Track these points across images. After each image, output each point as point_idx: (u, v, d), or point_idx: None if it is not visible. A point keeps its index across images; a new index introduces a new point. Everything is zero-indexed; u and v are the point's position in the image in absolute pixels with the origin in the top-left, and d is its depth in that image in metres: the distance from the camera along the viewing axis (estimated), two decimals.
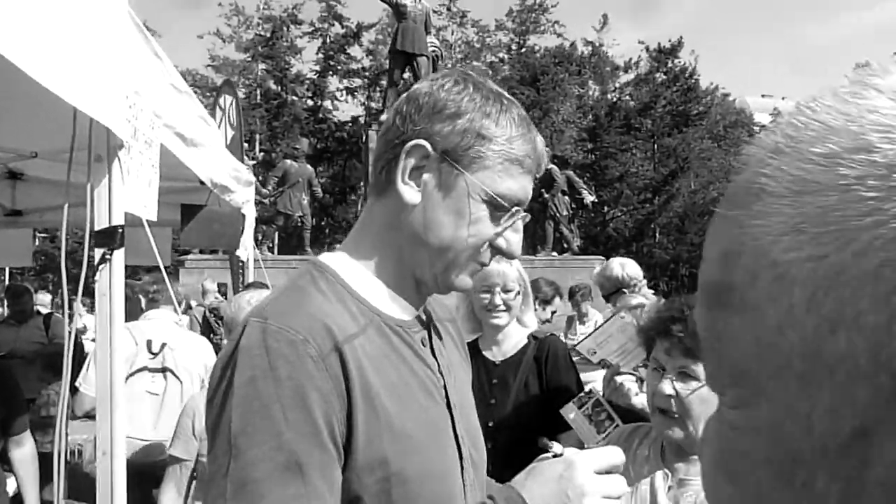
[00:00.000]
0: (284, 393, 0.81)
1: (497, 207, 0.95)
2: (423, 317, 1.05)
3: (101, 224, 1.77)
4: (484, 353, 2.46)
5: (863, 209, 0.28)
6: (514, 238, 0.99)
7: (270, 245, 15.38)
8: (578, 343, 2.58)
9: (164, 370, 3.34)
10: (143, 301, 3.71)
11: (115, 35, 1.80)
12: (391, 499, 0.87)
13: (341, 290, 0.94)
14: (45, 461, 2.81)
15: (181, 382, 3.35)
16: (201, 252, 11.50)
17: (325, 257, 1.01)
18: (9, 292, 5.74)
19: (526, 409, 2.35)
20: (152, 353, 3.35)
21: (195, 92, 3.56)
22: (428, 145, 0.93)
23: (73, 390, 3.54)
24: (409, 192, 0.95)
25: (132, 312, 3.47)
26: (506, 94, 1.01)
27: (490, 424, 2.22)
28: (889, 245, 0.28)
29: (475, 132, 0.94)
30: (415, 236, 0.96)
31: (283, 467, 0.79)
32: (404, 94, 1.02)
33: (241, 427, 0.81)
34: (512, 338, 2.49)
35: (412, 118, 0.95)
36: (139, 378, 3.30)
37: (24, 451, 3.06)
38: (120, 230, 1.77)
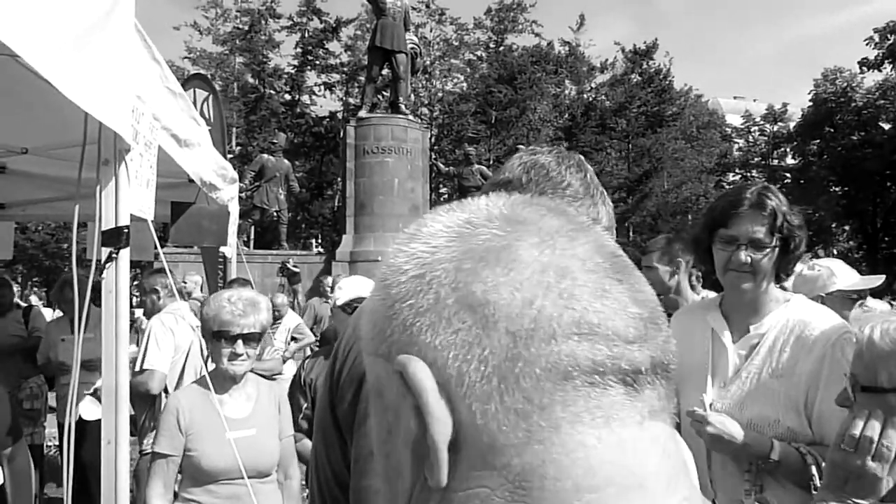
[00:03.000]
0: None
1: None
2: None
3: (107, 224, 1.86)
4: None
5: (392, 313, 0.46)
6: None
7: (246, 239, 15.34)
8: None
9: None
10: (158, 296, 3.83)
11: (123, 42, 1.89)
12: None
13: None
14: (31, 452, 2.80)
15: None
16: (176, 246, 11.49)
17: None
18: None
19: None
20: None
21: None
22: None
23: (140, 371, 3.62)
24: None
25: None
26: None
27: None
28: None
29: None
30: None
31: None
32: (532, 158, 1.21)
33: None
34: None
35: (538, 184, 1.16)
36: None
37: (17, 464, 2.56)
38: (126, 230, 1.86)
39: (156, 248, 2.41)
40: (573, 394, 0.41)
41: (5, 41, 1.32)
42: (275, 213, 13.95)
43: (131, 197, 1.94)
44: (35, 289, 23.22)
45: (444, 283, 0.44)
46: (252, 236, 18.20)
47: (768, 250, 1.87)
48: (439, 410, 0.42)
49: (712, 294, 2.80)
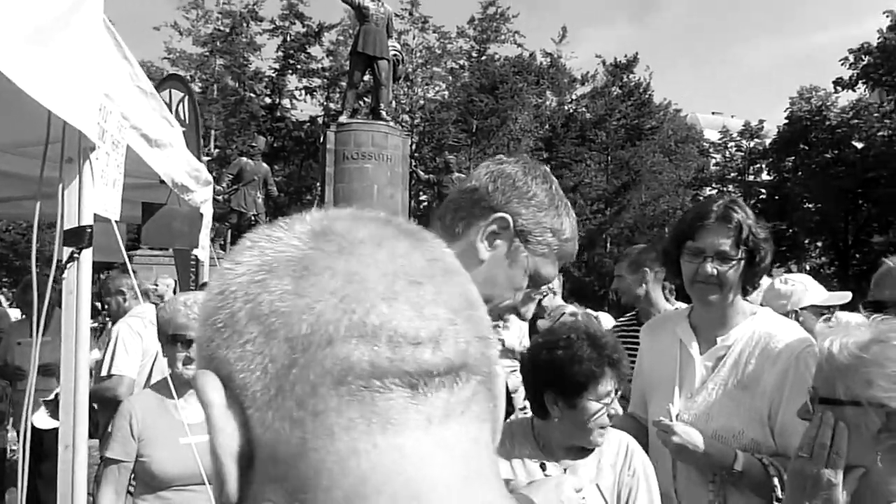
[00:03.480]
0: None
1: (535, 284, 1.21)
2: None
3: (70, 223, 1.82)
4: None
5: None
6: (531, 307, 1.27)
7: (223, 243, 15.19)
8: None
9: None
10: (124, 298, 3.75)
11: (89, 39, 1.86)
12: None
13: None
14: None
15: None
16: (150, 248, 11.34)
17: None
18: None
19: None
20: None
21: None
22: (511, 221, 1.16)
23: (108, 376, 3.54)
24: (482, 250, 1.17)
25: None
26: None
27: None
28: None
29: (548, 226, 1.19)
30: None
31: None
32: (498, 167, 1.23)
33: None
34: None
35: (504, 193, 1.18)
36: None
37: None
38: (88, 230, 1.83)
39: (119, 249, 2.37)
40: (348, 399, 0.41)
41: None
42: (252, 217, 13.83)
43: (95, 196, 1.91)
44: (4, 290, 22.74)
45: (237, 297, 0.44)
46: (229, 240, 18.03)
47: (734, 262, 1.89)
48: (223, 423, 0.42)
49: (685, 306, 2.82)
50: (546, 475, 1.45)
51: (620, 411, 1.77)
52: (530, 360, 1.79)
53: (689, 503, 1.97)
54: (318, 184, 19.72)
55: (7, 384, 5.07)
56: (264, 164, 14.59)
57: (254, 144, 15.15)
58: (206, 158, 13.83)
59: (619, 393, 1.74)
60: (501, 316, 1.25)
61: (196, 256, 5.23)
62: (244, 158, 14.18)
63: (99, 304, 4.51)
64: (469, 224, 1.17)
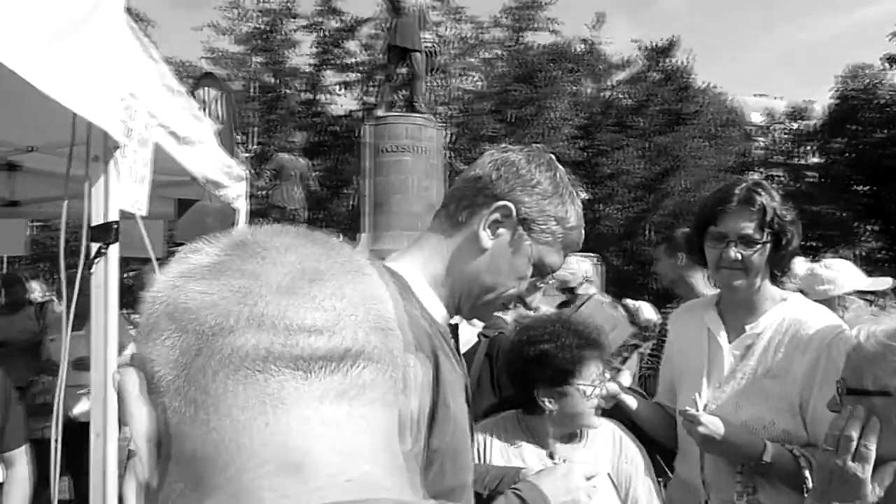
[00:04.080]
0: None
1: (540, 273, 1.20)
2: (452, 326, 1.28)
3: (97, 220, 1.88)
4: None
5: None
6: (537, 296, 1.26)
7: None
8: None
9: None
10: None
11: (111, 39, 1.90)
12: (444, 467, 1.09)
13: (412, 298, 1.14)
14: (41, 447, 2.80)
15: None
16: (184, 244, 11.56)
17: (394, 265, 1.19)
18: (2, 281, 5.82)
19: (477, 405, 2.45)
20: None
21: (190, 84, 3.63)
22: (514, 209, 1.16)
23: None
24: (485, 238, 1.16)
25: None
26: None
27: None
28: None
29: (552, 214, 1.17)
30: (476, 272, 1.17)
31: None
32: (502, 155, 1.22)
33: None
34: (463, 335, 2.59)
35: (508, 182, 1.17)
36: None
37: (16, 471, 2.54)
38: (115, 226, 1.88)
39: (145, 245, 2.43)
40: (244, 382, 0.45)
41: None
42: (292, 212, 14.01)
43: (122, 193, 1.95)
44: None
45: (160, 300, 0.49)
46: None
47: (759, 246, 1.84)
48: (136, 410, 0.47)
49: None
50: (554, 463, 1.45)
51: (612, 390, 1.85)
52: (518, 357, 1.81)
53: (717, 494, 1.93)
54: (355, 177, 19.88)
55: (51, 379, 5.27)
56: (303, 160, 14.78)
57: (292, 140, 15.35)
58: (246, 155, 14.07)
59: (609, 377, 1.81)
60: (507, 305, 1.24)
61: None
62: (283, 154, 14.37)
63: None
64: (472, 213, 1.17)
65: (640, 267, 28.24)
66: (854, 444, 1.20)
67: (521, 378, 1.80)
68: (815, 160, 30.10)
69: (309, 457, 0.45)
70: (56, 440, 1.78)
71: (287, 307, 0.46)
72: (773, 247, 1.85)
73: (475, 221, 1.16)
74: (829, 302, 3.37)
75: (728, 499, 1.87)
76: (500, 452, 1.76)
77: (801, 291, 3.57)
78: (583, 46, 31.58)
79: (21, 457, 2.57)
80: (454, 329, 1.27)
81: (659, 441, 2.19)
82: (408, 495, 0.48)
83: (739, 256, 1.85)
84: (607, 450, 1.80)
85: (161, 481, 0.47)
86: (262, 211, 13.84)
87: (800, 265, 3.97)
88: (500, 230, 1.16)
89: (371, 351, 0.49)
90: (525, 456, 1.72)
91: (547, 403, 1.74)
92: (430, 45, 14.66)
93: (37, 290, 7.55)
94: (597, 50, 31.58)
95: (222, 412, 0.45)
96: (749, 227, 1.85)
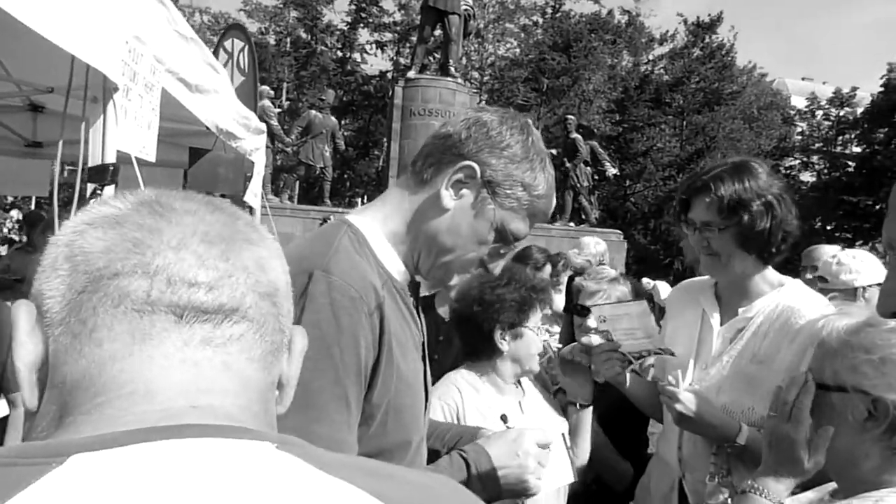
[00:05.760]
0: (343, 339, 1.01)
1: (503, 239, 1.17)
2: (412, 283, 1.26)
3: (94, 161, 1.89)
4: (437, 309, 2.57)
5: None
6: (501, 263, 1.25)
7: (291, 194, 15.53)
8: (595, 305, 2.55)
9: None
10: None
11: None
12: (387, 424, 1.09)
13: (368, 253, 1.14)
14: None
15: None
16: (209, 193, 11.67)
17: (355, 219, 1.19)
18: (25, 220, 5.93)
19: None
20: None
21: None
22: (479, 170, 1.13)
23: None
24: (447, 198, 1.14)
25: None
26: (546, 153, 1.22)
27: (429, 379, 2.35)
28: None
29: (519, 180, 1.14)
30: (434, 231, 1.16)
31: (338, 398, 1.01)
32: (476, 115, 1.19)
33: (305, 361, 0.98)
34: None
35: (477, 142, 1.14)
36: None
37: (21, 411, 2.57)
38: (111, 167, 1.89)
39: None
40: (120, 317, 0.51)
41: None
42: (320, 170, 14.03)
43: (121, 135, 1.97)
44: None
45: (60, 244, 0.55)
46: (297, 191, 18.41)
47: (719, 230, 1.83)
48: (24, 338, 0.52)
49: None
50: (508, 427, 1.45)
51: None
52: (475, 300, 1.89)
53: (692, 472, 1.93)
54: (385, 139, 19.84)
55: None
56: (333, 118, 14.73)
57: (323, 98, 15.29)
58: (276, 110, 14.06)
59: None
60: (467, 269, 1.22)
61: (248, 204, 5.37)
62: (313, 111, 14.33)
63: None
64: (438, 171, 1.15)
65: (665, 247, 27.90)
66: (789, 406, 1.20)
67: (477, 320, 1.87)
68: (856, 150, 29.23)
69: (162, 386, 0.50)
70: None
71: (174, 261, 0.52)
72: (737, 230, 1.82)
73: (439, 180, 1.14)
74: (852, 292, 3.30)
75: (702, 478, 1.86)
76: (475, 409, 1.79)
77: (821, 278, 3.49)
78: (625, 18, 30.83)
79: None
80: (415, 286, 1.25)
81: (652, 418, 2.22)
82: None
83: (706, 242, 1.86)
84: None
85: (40, 406, 0.53)
86: (290, 167, 13.89)
87: (827, 250, 3.87)
88: (464, 191, 1.14)
89: (246, 310, 0.54)
90: (487, 415, 1.75)
91: (504, 344, 1.86)
92: (467, 7, 14.42)
93: None
94: (638, 22, 30.81)
95: (94, 342, 0.50)
96: (709, 214, 1.85)
